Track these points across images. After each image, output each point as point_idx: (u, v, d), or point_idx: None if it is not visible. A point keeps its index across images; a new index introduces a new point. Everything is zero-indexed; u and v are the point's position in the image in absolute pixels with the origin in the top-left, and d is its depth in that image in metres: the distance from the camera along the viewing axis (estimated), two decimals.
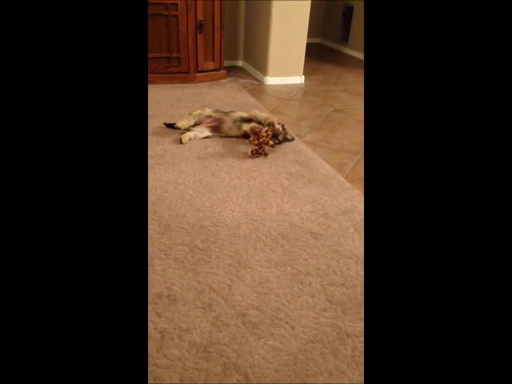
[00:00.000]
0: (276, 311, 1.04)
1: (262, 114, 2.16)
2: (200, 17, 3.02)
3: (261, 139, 1.93)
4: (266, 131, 1.94)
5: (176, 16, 2.94)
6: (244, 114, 2.19)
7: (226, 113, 2.21)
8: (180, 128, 2.15)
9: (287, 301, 1.08)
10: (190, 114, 2.21)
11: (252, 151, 1.94)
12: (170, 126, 2.23)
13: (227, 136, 2.17)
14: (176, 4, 2.89)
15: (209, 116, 2.19)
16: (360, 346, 0.95)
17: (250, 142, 1.97)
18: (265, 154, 1.95)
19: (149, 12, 2.83)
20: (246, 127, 2.10)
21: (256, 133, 1.97)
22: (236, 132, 2.15)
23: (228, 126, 2.15)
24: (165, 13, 2.90)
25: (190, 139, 2.08)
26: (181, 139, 2.07)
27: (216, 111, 2.25)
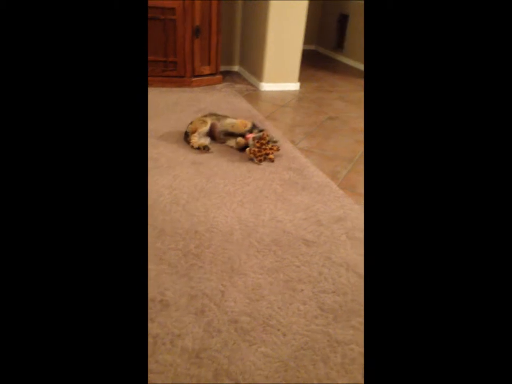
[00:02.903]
0: (267, 318, 1.05)
1: (241, 124, 2.15)
2: (197, 22, 3.03)
3: (264, 151, 1.96)
4: (271, 148, 1.98)
5: (173, 20, 2.95)
6: (232, 121, 2.18)
7: (218, 119, 2.20)
8: (193, 146, 2.08)
9: (279, 308, 1.09)
10: (196, 132, 2.12)
11: (257, 158, 1.96)
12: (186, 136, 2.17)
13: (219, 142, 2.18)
14: (173, 8, 2.91)
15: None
16: (350, 354, 0.97)
17: (250, 152, 1.97)
18: (271, 160, 1.98)
19: None
20: (232, 142, 2.12)
21: (259, 141, 1.98)
22: (221, 141, 2.18)
23: (218, 131, 2.16)
24: (162, 17, 2.91)
25: (201, 144, 2.08)
26: (192, 145, 2.06)
27: (211, 114, 2.25)
